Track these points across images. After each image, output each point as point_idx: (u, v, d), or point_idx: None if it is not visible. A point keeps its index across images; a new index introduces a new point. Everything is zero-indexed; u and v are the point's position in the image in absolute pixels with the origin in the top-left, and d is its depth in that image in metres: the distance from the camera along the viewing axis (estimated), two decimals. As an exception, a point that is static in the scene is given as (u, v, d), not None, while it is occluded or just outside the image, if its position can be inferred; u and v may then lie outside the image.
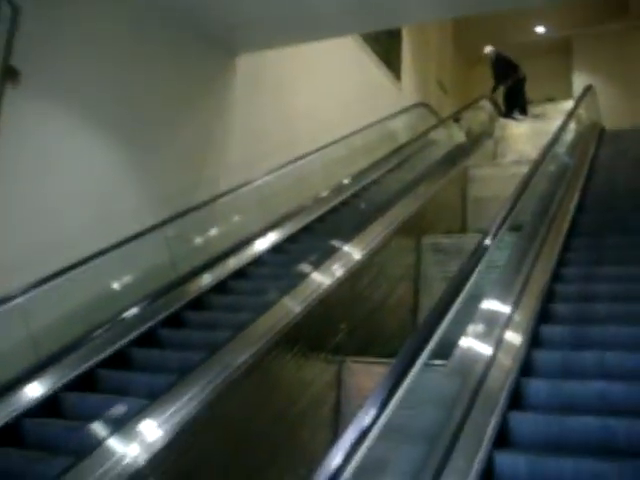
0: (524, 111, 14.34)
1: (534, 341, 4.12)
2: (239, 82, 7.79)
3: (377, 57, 12.48)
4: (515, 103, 14.17)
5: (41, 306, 4.76)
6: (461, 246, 7.32)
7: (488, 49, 14.23)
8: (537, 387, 3.63)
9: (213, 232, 6.87)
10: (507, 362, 3.70)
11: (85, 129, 5.64)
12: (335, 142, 9.05)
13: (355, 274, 6.10)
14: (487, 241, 4.04)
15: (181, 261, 6.13)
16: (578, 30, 17.42)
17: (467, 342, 3.69)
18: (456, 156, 10.75)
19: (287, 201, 7.78)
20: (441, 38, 17.36)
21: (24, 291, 4.64)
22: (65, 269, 4.94)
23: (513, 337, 3.98)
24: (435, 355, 2.95)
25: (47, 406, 4.33)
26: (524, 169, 6.77)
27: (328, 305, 5.55)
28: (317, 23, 7.13)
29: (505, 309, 4.20)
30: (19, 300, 4.61)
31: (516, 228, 5.10)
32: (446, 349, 3.27)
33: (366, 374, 5.39)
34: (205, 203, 6.62)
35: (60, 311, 4.97)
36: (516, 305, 4.30)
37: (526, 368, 3.81)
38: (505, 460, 3.02)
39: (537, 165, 6.21)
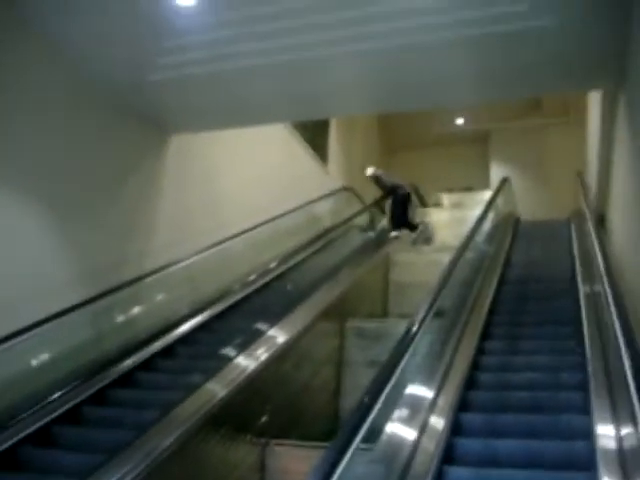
0: (406, 227, 12.64)
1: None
2: (170, 162, 7.89)
3: (305, 142, 12.83)
4: (400, 220, 12.58)
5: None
6: (383, 331, 7.49)
7: (369, 171, 12.96)
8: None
9: (135, 312, 6.87)
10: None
11: (17, 202, 5.63)
12: (260, 225, 9.20)
13: (279, 357, 6.18)
14: (413, 330, 4.22)
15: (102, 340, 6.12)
16: (496, 123, 18.27)
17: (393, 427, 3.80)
18: (378, 241, 11.04)
19: (210, 283, 7.86)
20: (366, 125, 17.95)
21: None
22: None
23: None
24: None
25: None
26: (443, 256, 7.06)
27: (252, 388, 5.59)
28: (248, 111, 7.37)
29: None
30: None
31: (439, 314, 5.28)
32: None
33: (290, 457, 5.43)
34: (127, 284, 6.61)
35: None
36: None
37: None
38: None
39: (457, 257, 6.45)
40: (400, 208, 12.51)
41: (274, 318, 6.73)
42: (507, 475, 3.61)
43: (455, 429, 4.15)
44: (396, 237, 11.98)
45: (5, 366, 4.97)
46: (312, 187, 12.33)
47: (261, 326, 6.56)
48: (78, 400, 5.17)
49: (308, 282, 8.37)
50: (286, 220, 10.04)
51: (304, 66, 6.10)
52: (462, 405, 4.51)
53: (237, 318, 7.51)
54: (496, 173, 17.41)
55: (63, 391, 5.14)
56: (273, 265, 8.93)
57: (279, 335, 6.48)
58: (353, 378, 7.41)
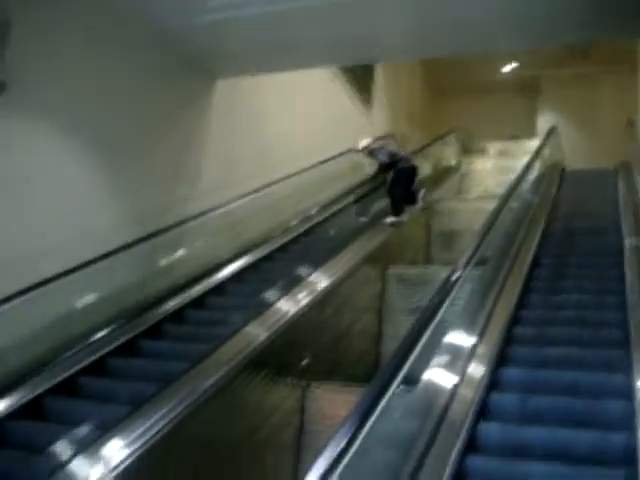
0: (400, 208, 9.15)
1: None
2: (216, 106, 7.91)
3: (350, 87, 12.72)
4: (401, 202, 9.19)
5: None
6: (425, 277, 7.48)
7: (363, 143, 9.58)
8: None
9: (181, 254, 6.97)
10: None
11: (66, 146, 5.71)
12: (305, 170, 9.23)
13: (321, 302, 6.24)
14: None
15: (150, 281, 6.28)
16: (544, 71, 17.87)
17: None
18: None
19: (257, 227, 7.94)
20: (411, 71, 17.70)
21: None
22: (40, 283, 4.99)
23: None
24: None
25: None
26: (488, 204, 7.00)
27: (294, 331, 5.67)
28: (295, 54, 7.32)
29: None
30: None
31: (482, 262, 5.28)
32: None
33: (329, 400, 5.50)
34: (175, 225, 6.72)
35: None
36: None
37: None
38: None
39: (503, 202, 6.42)
40: (401, 187, 9.21)
41: (317, 263, 6.79)
42: (554, 375, 4.13)
43: (508, 340, 4.68)
44: (393, 224, 8.97)
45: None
46: (356, 132, 12.23)
47: (304, 270, 6.62)
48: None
49: (351, 229, 8.41)
50: (330, 166, 10.01)
51: (352, 7, 6.01)
52: (514, 321, 5.03)
53: (282, 262, 7.61)
54: (543, 122, 17.10)
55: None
56: (315, 211, 8.97)
57: (321, 280, 6.54)
58: (394, 324, 7.44)
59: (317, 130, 10.63)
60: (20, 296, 4.80)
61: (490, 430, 3.60)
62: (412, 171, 9.29)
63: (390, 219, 8.95)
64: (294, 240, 8.31)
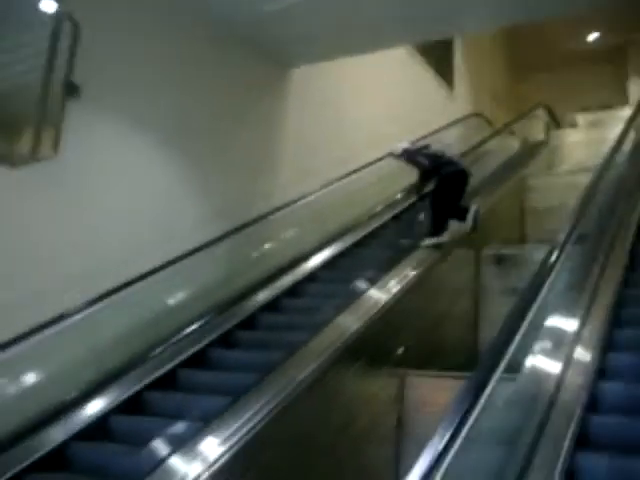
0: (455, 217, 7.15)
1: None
2: (292, 95, 7.81)
3: (429, 67, 12.42)
4: (446, 216, 7.12)
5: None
6: (522, 257, 7.21)
7: (401, 146, 7.54)
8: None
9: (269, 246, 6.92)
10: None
11: (144, 145, 5.71)
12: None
13: (415, 287, 6.06)
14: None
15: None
16: (631, 35, 17.12)
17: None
18: (512, 166, 10.63)
19: (341, 215, 7.82)
20: (493, 46, 17.23)
21: (82, 308, 4.69)
22: (122, 286, 4.98)
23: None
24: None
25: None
26: (581, 178, 6.68)
27: (390, 319, 5.51)
28: (372, 35, 7.12)
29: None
30: (79, 316, 4.65)
31: (580, 239, 5.00)
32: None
33: (428, 388, 5.33)
34: (260, 218, 6.67)
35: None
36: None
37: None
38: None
39: (598, 175, 6.07)
40: (446, 198, 7.13)
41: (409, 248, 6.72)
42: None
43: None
44: (433, 245, 7.01)
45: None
46: (438, 113, 11.95)
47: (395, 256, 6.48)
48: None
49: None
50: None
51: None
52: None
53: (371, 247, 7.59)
54: (635, 88, 16.39)
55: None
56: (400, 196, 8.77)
57: (412, 264, 6.37)
58: (491, 307, 7.19)
59: (396, 114, 10.37)
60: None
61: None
62: (461, 177, 7.21)
63: (428, 241, 7.06)
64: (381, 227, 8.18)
